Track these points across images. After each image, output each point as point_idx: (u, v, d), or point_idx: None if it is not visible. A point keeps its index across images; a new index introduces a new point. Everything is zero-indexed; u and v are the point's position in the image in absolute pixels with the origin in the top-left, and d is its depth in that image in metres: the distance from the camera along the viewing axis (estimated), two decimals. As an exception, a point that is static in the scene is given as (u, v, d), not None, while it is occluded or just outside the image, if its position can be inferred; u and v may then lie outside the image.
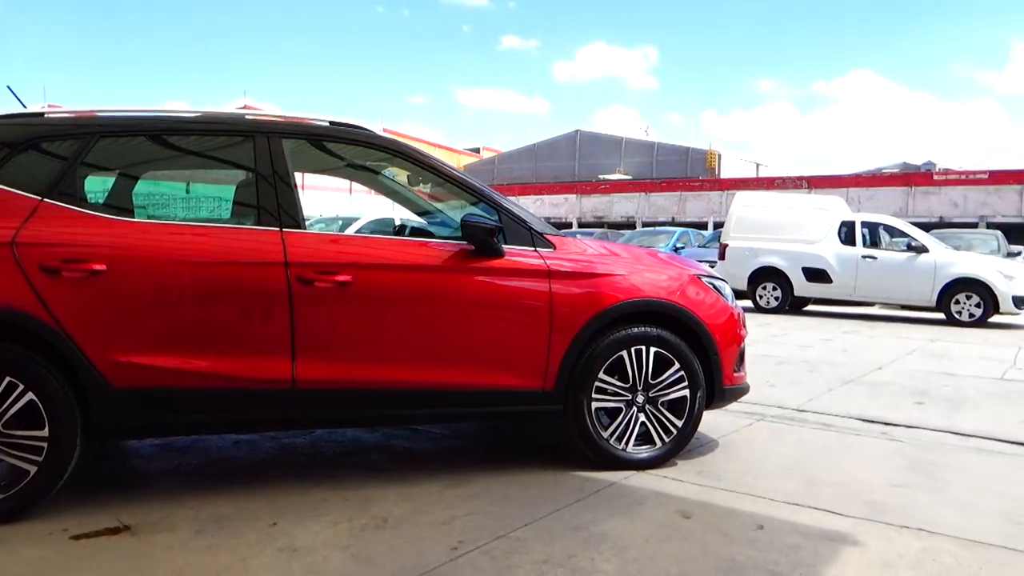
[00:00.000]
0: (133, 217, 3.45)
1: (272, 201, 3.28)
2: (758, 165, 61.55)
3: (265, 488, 3.37)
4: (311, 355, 3.20)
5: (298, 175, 3.52)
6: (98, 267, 2.98)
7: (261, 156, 3.33)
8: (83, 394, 2.97)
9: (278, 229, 3.23)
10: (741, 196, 14.40)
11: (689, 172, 55.17)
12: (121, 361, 3.00)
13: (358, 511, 3.09)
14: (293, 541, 2.78)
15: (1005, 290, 11.37)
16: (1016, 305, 11.40)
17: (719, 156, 56.27)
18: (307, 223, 3.43)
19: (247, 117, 3.56)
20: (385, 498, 3.25)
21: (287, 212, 3.27)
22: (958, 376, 6.78)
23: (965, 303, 11.61)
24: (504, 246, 3.48)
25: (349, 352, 3.28)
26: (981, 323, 11.44)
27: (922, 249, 11.98)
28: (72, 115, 3.36)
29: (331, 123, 3.60)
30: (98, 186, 3.61)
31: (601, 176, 57.25)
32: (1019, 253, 21.55)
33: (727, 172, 55.40)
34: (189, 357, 3.08)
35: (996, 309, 11.44)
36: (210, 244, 3.18)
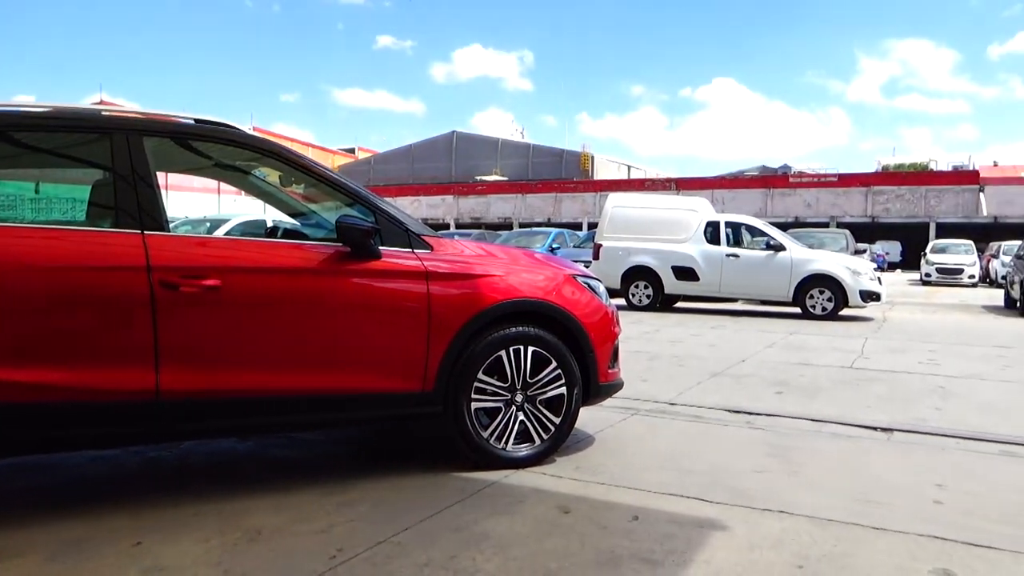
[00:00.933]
0: (-27, 219, 3.18)
1: (132, 202, 3.10)
2: (629, 167, 63.60)
3: (128, 506, 3.18)
4: (177, 364, 3.05)
5: (161, 175, 3.35)
6: (-68, 274, 2.72)
7: (119, 154, 3.14)
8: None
9: (139, 231, 3.06)
10: (614, 197, 14.84)
11: (564, 173, 56.32)
12: (-39, 376, 2.75)
13: (230, 525, 2.97)
14: (159, 560, 2.64)
15: (853, 285, 12.24)
16: (863, 299, 12.30)
17: (592, 158, 57.75)
18: (172, 225, 3.27)
19: (103, 113, 3.35)
20: (260, 509, 3.14)
21: (148, 214, 3.10)
22: (813, 366, 7.24)
23: (818, 298, 12.42)
24: (381, 248, 3.44)
25: (219, 359, 3.15)
26: (833, 316, 12.27)
27: (780, 248, 12.73)
28: None
29: (196, 121, 3.45)
30: (-69, 186, 3.30)
31: (478, 177, 57.57)
32: (865, 251, 23.32)
33: (600, 174, 56.95)
34: (40, 369, 2.86)
35: (846, 303, 12.31)
36: (62, 248, 2.97)
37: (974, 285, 25.71)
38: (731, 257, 12.94)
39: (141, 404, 3.02)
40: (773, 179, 49.96)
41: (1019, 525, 3.09)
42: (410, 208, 47.30)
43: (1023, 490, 3.57)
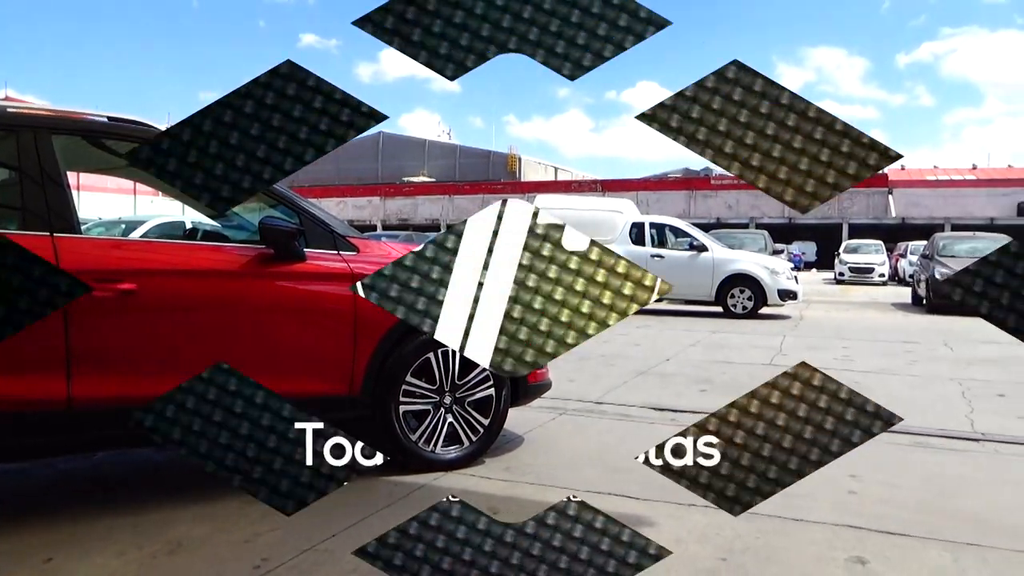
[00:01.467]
0: None
1: (40, 203, 2.96)
2: (556, 169, 64.14)
3: (40, 521, 3.04)
4: (90, 371, 2.93)
5: (73, 175, 3.22)
6: None
7: (26, 153, 3.00)
8: None
9: (48, 234, 2.92)
10: (541, 199, 14.99)
11: (491, 175, 56.41)
12: None
13: (150, 537, 2.87)
14: (73, 576, 2.53)
15: (772, 284, 12.65)
16: (781, 298, 12.72)
17: (520, 160, 58.04)
18: (84, 227, 3.14)
19: (9, 110, 3.20)
20: (181, 520, 3.04)
21: (58, 215, 2.97)
22: (734, 364, 7.45)
23: (739, 297, 12.78)
24: (306, 250, 3.38)
25: (135, 366, 3.04)
26: (753, 315, 12.64)
27: (702, 248, 13.05)
28: None
29: (110, 119, 3.32)
30: None
31: (405, 178, 57.17)
32: (782, 251, 24.10)
33: (527, 175, 57.27)
34: (-60, 380, 2.71)
35: (765, 302, 12.70)
36: (-36, 251, 2.81)
37: (884, 283, 26.83)
38: (656, 258, 13.18)
39: (51, 414, 2.89)
40: (696, 181, 51.17)
41: (927, 512, 3.24)
42: (336, 209, 46.62)
43: (931, 479, 3.75)
